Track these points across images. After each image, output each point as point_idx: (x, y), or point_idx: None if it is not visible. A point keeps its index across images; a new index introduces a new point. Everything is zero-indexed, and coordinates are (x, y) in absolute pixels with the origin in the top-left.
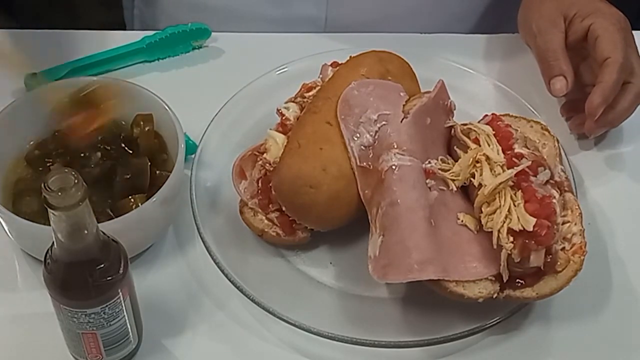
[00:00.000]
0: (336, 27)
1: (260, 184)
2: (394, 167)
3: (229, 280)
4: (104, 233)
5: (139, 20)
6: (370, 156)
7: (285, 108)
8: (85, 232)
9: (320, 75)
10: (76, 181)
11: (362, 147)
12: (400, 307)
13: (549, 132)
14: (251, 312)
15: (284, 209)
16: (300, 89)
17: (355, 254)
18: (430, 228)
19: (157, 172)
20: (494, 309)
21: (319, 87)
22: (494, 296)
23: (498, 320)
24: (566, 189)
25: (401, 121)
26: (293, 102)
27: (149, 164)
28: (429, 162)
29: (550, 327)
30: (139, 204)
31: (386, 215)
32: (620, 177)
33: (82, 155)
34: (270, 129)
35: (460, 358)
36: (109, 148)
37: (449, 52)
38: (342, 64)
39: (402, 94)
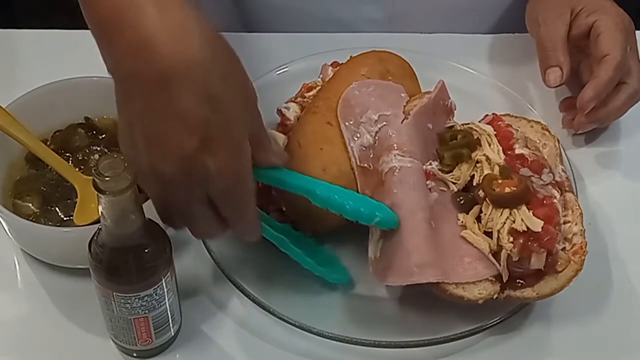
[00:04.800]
0: (399, 28)
1: (260, 184)
2: (394, 168)
3: (229, 280)
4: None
5: None
6: (371, 157)
7: (285, 108)
8: (133, 216)
9: (321, 75)
10: (126, 166)
11: (362, 147)
12: (400, 307)
13: (549, 132)
14: (251, 312)
15: (284, 209)
16: (300, 89)
17: (355, 254)
18: (430, 230)
19: None
20: (494, 309)
21: (319, 87)
22: (495, 297)
23: (498, 321)
24: (567, 189)
25: (402, 122)
26: (293, 102)
27: None
28: (430, 164)
29: (550, 327)
30: None
31: None
32: (621, 176)
33: (80, 156)
34: (271, 129)
35: (461, 358)
36: (107, 149)
37: (449, 52)
38: (342, 64)
39: (403, 94)
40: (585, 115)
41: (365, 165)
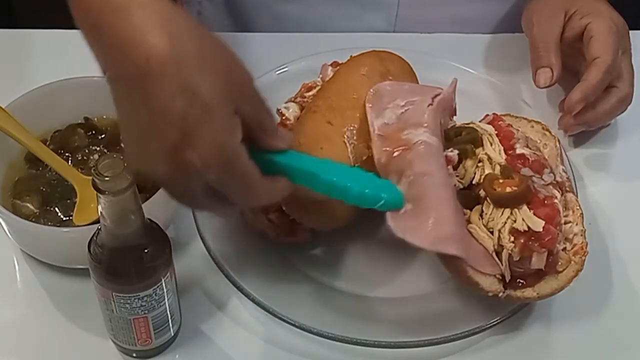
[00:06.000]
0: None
1: None
2: (423, 141)
3: (229, 280)
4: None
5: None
6: (392, 128)
7: (285, 108)
8: (133, 217)
9: (320, 75)
10: (125, 166)
11: (384, 123)
12: (400, 307)
13: (549, 132)
14: (251, 312)
15: (284, 209)
16: (300, 89)
17: (355, 254)
18: (458, 206)
19: None
20: (494, 309)
21: (319, 87)
22: (499, 295)
23: (498, 321)
24: (567, 189)
25: (427, 107)
26: (293, 102)
27: None
28: (451, 150)
29: (550, 327)
30: None
31: (415, 184)
32: (621, 177)
33: (80, 156)
34: None
35: (461, 358)
36: (107, 149)
37: (449, 52)
38: (342, 63)
39: (435, 93)
40: (573, 117)
41: (384, 133)
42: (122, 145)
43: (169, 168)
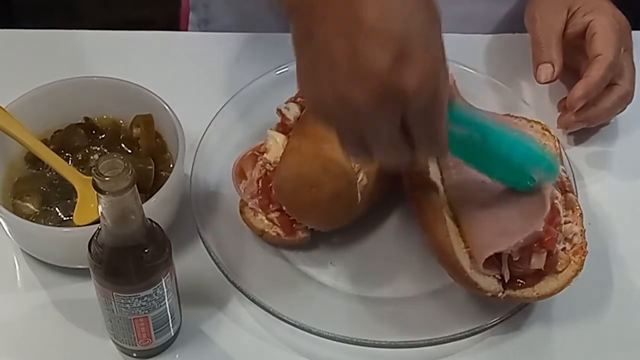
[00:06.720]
0: None
1: (260, 184)
2: None
3: (229, 280)
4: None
5: (197, 17)
6: None
7: (285, 108)
8: (133, 217)
9: None
10: (125, 166)
11: None
12: (400, 307)
13: (549, 132)
14: (251, 312)
15: (284, 209)
16: None
17: (355, 254)
18: None
19: (162, 173)
20: (494, 309)
21: None
22: (499, 295)
23: (498, 321)
24: (567, 189)
25: None
26: (293, 102)
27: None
28: None
29: (550, 328)
30: None
31: None
32: (621, 176)
33: (80, 156)
34: (271, 129)
35: (461, 358)
36: (107, 149)
37: (449, 52)
38: None
39: None
40: (574, 113)
41: None
42: (301, 82)
43: (374, 95)
